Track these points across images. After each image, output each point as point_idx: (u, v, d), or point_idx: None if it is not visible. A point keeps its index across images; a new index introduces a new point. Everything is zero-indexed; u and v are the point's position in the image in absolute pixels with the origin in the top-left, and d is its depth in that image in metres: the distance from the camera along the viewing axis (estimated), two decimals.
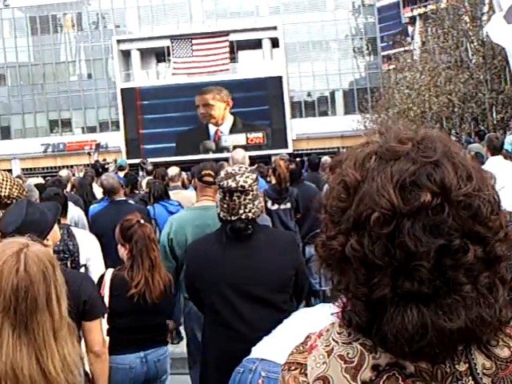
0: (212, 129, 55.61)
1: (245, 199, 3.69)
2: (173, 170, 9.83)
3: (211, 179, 5.11)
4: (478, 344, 1.09)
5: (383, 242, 1.04)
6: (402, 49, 43.32)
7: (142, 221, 4.52)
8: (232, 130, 55.07)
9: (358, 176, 1.09)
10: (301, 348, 1.22)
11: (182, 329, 7.35)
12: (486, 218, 1.05)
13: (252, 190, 3.70)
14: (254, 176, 3.76)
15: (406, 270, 1.03)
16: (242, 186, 3.66)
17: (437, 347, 1.04)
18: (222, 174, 3.78)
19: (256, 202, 3.73)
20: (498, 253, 1.06)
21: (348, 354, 1.13)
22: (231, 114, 54.84)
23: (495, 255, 1.06)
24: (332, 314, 1.18)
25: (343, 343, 1.14)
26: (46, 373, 2.05)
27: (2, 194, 4.54)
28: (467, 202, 1.05)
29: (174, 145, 54.96)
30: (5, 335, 2.04)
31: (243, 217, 3.70)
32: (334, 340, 1.16)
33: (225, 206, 3.72)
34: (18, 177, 15.64)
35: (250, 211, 3.70)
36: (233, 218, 3.71)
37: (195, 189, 5.47)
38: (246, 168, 3.82)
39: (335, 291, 1.15)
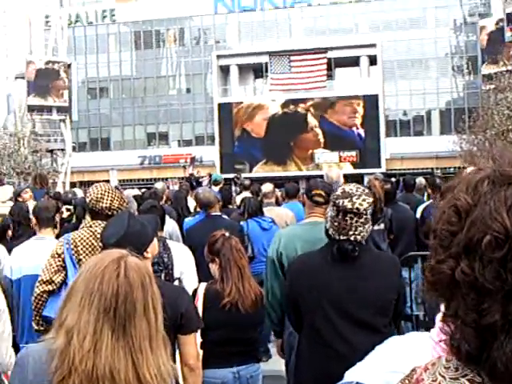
0: None
1: (357, 221, 3.66)
2: (267, 187, 9.81)
3: (322, 199, 5.07)
4: None
5: (495, 266, 1.02)
6: (504, 68, 42.25)
7: (227, 234, 4.60)
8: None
9: (470, 200, 1.08)
10: (406, 381, 1.19)
11: (270, 346, 7.38)
12: None
13: (366, 214, 3.68)
14: (371, 200, 3.72)
15: None
16: (357, 209, 3.64)
17: None
18: (339, 191, 3.76)
19: (366, 226, 3.71)
20: None
21: None
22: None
23: None
24: (440, 341, 1.16)
25: (450, 378, 1.11)
26: (140, 378, 2.10)
27: (104, 205, 4.68)
28: None
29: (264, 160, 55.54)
30: (104, 337, 2.10)
31: (352, 238, 3.68)
32: (440, 375, 1.12)
33: (335, 223, 3.71)
34: (116, 188, 15.99)
35: (359, 234, 3.69)
36: (341, 238, 3.70)
37: (303, 204, 5.41)
38: (364, 190, 3.77)
39: (444, 317, 1.13)
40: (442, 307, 1.13)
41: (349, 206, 3.64)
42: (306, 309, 3.85)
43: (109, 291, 2.12)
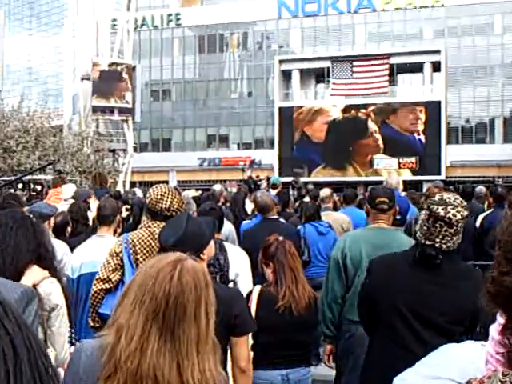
0: None
1: (446, 230, 3.65)
2: (324, 192, 9.82)
3: (386, 206, 5.11)
4: None
5: None
6: None
7: (281, 238, 4.64)
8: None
9: None
10: None
11: (321, 351, 7.35)
12: None
13: (457, 225, 3.66)
14: (465, 213, 3.68)
15: None
16: (449, 218, 3.62)
17: None
18: (436, 198, 3.74)
19: (455, 238, 3.68)
20: None
21: None
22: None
23: None
24: (497, 354, 1.16)
25: None
26: (183, 381, 2.10)
27: (163, 206, 4.74)
28: None
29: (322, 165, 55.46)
30: (151, 338, 2.11)
31: (437, 245, 3.67)
32: None
33: (425, 228, 3.71)
34: (175, 189, 16.16)
35: (445, 243, 3.67)
36: (427, 243, 3.70)
37: (367, 214, 5.41)
38: (461, 202, 3.73)
39: (503, 330, 1.12)
40: (500, 319, 1.12)
41: (441, 213, 3.63)
42: (384, 309, 3.84)
43: (160, 293, 2.13)
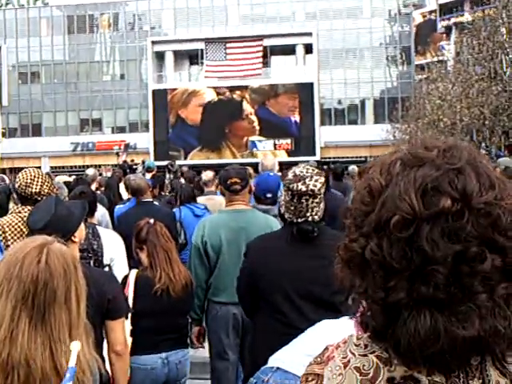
0: None
1: (312, 202, 3.67)
2: (207, 175, 9.56)
3: (238, 187, 5.13)
4: (493, 357, 1.08)
5: (402, 245, 1.04)
6: (435, 59, 43.12)
7: (151, 221, 4.60)
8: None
9: (382, 181, 1.10)
10: (318, 359, 1.22)
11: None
12: (505, 227, 1.05)
13: (320, 194, 3.69)
14: (322, 180, 3.71)
15: (423, 274, 1.04)
16: (311, 190, 3.63)
17: (449, 355, 1.04)
18: (290, 175, 3.72)
19: (321, 205, 3.72)
20: None
21: (364, 366, 1.13)
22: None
23: None
24: (351, 318, 1.21)
25: (360, 355, 1.14)
26: (57, 367, 2.06)
27: (33, 190, 4.60)
28: (487, 210, 1.04)
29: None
30: (21, 325, 2.05)
31: (310, 219, 3.69)
32: (350, 352, 1.16)
33: (292, 208, 3.70)
34: (47, 174, 15.76)
35: (316, 214, 3.70)
36: (299, 220, 3.70)
37: (223, 194, 5.45)
38: (313, 170, 3.75)
39: (355, 294, 1.16)
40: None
41: (303, 188, 3.63)
42: (266, 288, 3.83)
43: (28, 278, 2.07)
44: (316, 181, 3.66)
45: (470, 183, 1.05)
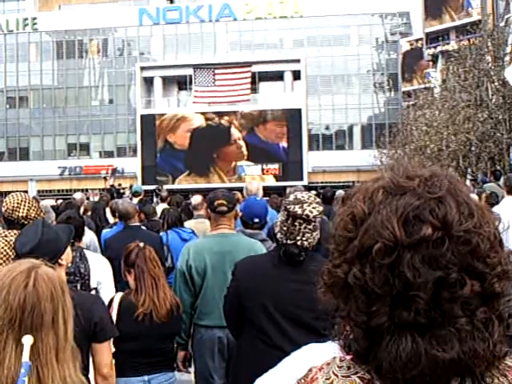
0: None
1: (305, 228, 3.71)
2: (195, 199, 9.53)
3: (225, 208, 5.15)
4: (472, 378, 1.10)
5: (384, 271, 1.07)
6: (422, 86, 43.45)
7: (141, 244, 4.61)
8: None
9: (365, 208, 1.13)
10: (302, 381, 1.23)
11: None
12: (484, 254, 1.08)
13: (314, 221, 3.73)
14: (321, 208, 3.78)
15: (404, 299, 1.06)
16: (306, 215, 3.69)
17: (429, 377, 1.06)
18: (291, 197, 3.80)
19: (314, 234, 3.75)
20: (496, 289, 1.09)
21: None
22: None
23: (493, 291, 1.08)
24: (334, 339, 1.22)
25: (342, 376, 1.16)
26: None
27: (20, 214, 4.59)
28: (467, 238, 1.08)
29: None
30: (8, 349, 2.04)
31: (298, 243, 3.73)
32: (333, 373, 1.17)
33: (284, 228, 3.75)
34: (33, 198, 15.70)
35: (306, 240, 3.73)
36: (288, 242, 3.75)
37: (209, 219, 5.46)
38: (315, 198, 3.82)
39: (337, 318, 1.18)
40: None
41: (299, 211, 3.69)
42: (252, 309, 3.86)
43: (15, 302, 2.06)
44: (314, 208, 3.73)
45: (450, 212, 1.08)
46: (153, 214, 9.69)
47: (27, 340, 2.02)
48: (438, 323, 1.06)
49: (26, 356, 1.99)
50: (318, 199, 3.86)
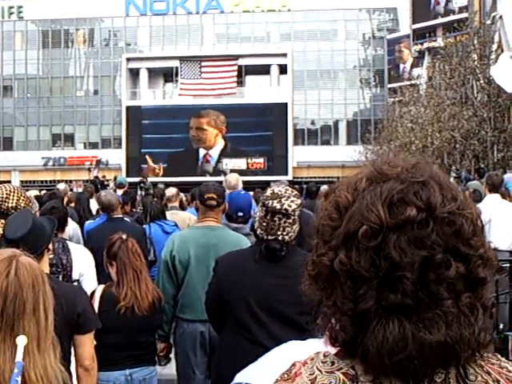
0: (201, 152, 56.10)
1: (285, 222, 3.70)
2: (170, 191, 9.79)
3: (215, 202, 5.13)
4: (456, 375, 1.11)
5: (370, 254, 1.08)
6: (408, 82, 43.59)
7: (124, 236, 4.59)
8: (221, 155, 55.60)
9: (349, 197, 1.14)
10: (285, 375, 1.22)
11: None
12: (468, 236, 1.10)
13: (294, 215, 3.72)
14: (299, 202, 3.77)
15: (391, 281, 1.08)
16: (285, 209, 3.68)
17: (416, 360, 1.07)
18: (268, 193, 3.79)
19: (294, 227, 3.75)
20: (479, 274, 1.10)
21: (330, 382, 1.14)
22: (224, 138, 55.34)
23: (477, 276, 1.10)
24: (318, 333, 1.22)
25: (326, 372, 1.16)
26: (25, 379, 2.04)
27: (10, 204, 4.59)
28: (451, 219, 1.10)
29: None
30: None
31: (279, 238, 3.72)
32: (317, 369, 1.17)
33: (264, 224, 3.74)
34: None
35: (287, 234, 3.73)
36: (269, 238, 3.73)
37: (197, 210, 5.45)
38: (292, 191, 3.81)
39: (322, 308, 1.18)
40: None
41: (277, 206, 3.68)
42: (233, 304, 3.86)
43: None
44: (292, 202, 3.71)
45: (433, 194, 1.10)
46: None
47: (21, 340, 2.01)
48: (424, 305, 1.07)
49: (19, 356, 1.99)
50: (295, 192, 3.85)
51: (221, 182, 7.32)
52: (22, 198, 4.64)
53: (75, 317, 3.41)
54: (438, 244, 1.08)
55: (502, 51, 20.81)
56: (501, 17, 23.44)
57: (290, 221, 3.72)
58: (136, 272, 4.45)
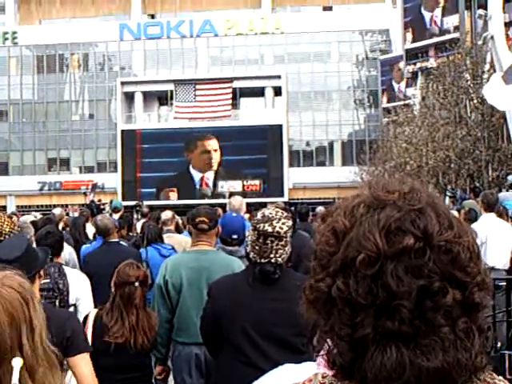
0: (196, 175, 56.11)
1: (277, 244, 3.71)
2: (166, 214, 9.76)
3: (206, 226, 5.15)
4: None
5: (367, 282, 1.09)
6: (401, 103, 43.76)
7: (137, 284, 4.61)
8: (216, 178, 55.70)
9: (346, 223, 1.14)
10: None
11: None
12: (464, 263, 1.11)
13: (286, 237, 3.73)
14: (290, 223, 3.78)
15: (388, 309, 1.08)
16: (277, 232, 3.68)
17: None
18: (259, 216, 3.79)
19: (286, 248, 3.75)
20: (475, 299, 1.11)
21: None
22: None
23: (473, 301, 1.11)
24: (316, 357, 1.22)
25: None
26: None
27: None
28: (448, 247, 1.10)
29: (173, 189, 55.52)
30: None
31: (273, 261, 3.72)
32: None
33: (257, 247, 3.74)
34: (13, 213, 15.64)
35: (280, 256, 3.73)
36: (262, 261, 3.74)
37: (190, 234, 5.48)
38: (282, 213, 3.81)
39: (320, 334, 1.18)
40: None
41: (269, 229, 3.68)
42: (229, 329, 3.85)
43: None
44: (283, 224, 3.72)
45: (430, 222, 1.11)
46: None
47: (17, 362, 1.92)
48: (421, 332, 1.07)
49: (15, 378, 1.87)
50: (285, 214, 3.85)
51: (223, 205, 7.33)
52: (6, 222, 4.66)
53: (65, 341, 3.38)
54: (435, 272, 1.08)
55: (495, 71, 20.97)
56: (492, 37, 23.64)
57: (283, 243, 3.73)
58: (137, 311, 4.48)
